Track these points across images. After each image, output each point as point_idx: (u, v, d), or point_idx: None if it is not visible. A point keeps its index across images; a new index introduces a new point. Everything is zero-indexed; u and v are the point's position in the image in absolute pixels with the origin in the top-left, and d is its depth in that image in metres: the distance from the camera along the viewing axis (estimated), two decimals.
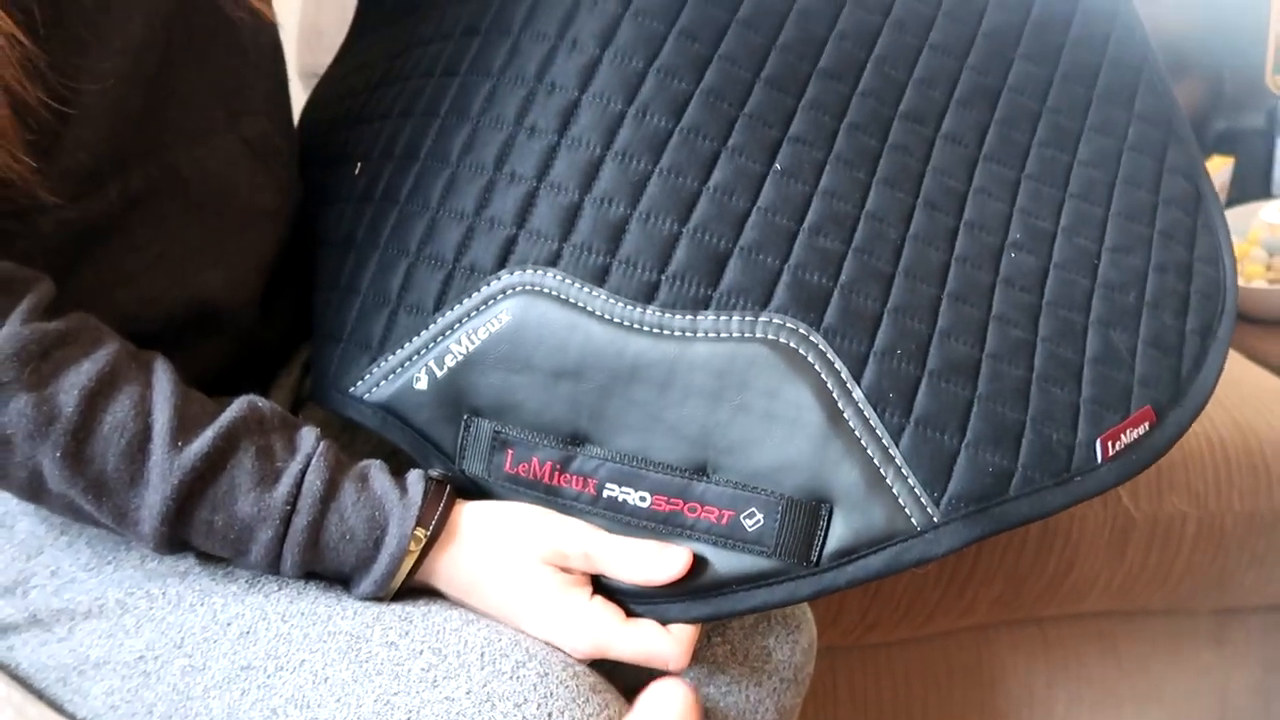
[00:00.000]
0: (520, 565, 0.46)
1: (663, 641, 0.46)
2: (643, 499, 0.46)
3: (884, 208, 0.50)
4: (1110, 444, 0.47)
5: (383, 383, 0.50)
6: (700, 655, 0.54)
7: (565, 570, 0.47)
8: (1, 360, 0.40)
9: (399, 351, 0.50)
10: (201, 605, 0.46)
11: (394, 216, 0.52)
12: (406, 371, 0.49)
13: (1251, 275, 1.06)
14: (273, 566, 0.45)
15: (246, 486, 0.43)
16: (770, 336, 0.46)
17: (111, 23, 0.45)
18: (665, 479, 0.46)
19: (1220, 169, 1.18)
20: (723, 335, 0.46)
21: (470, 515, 0.47)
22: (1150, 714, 0.90)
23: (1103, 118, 0.56)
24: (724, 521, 0.46)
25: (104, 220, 0.47)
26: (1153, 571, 0.80)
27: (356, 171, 0.56)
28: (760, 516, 0.45)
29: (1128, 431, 0.47)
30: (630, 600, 0.47)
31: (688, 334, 0.46)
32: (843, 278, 0.47)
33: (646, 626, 0.47)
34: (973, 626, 0.81)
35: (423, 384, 0.49)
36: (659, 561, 0.46)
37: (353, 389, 0.51)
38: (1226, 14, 1.20)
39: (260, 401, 0.46)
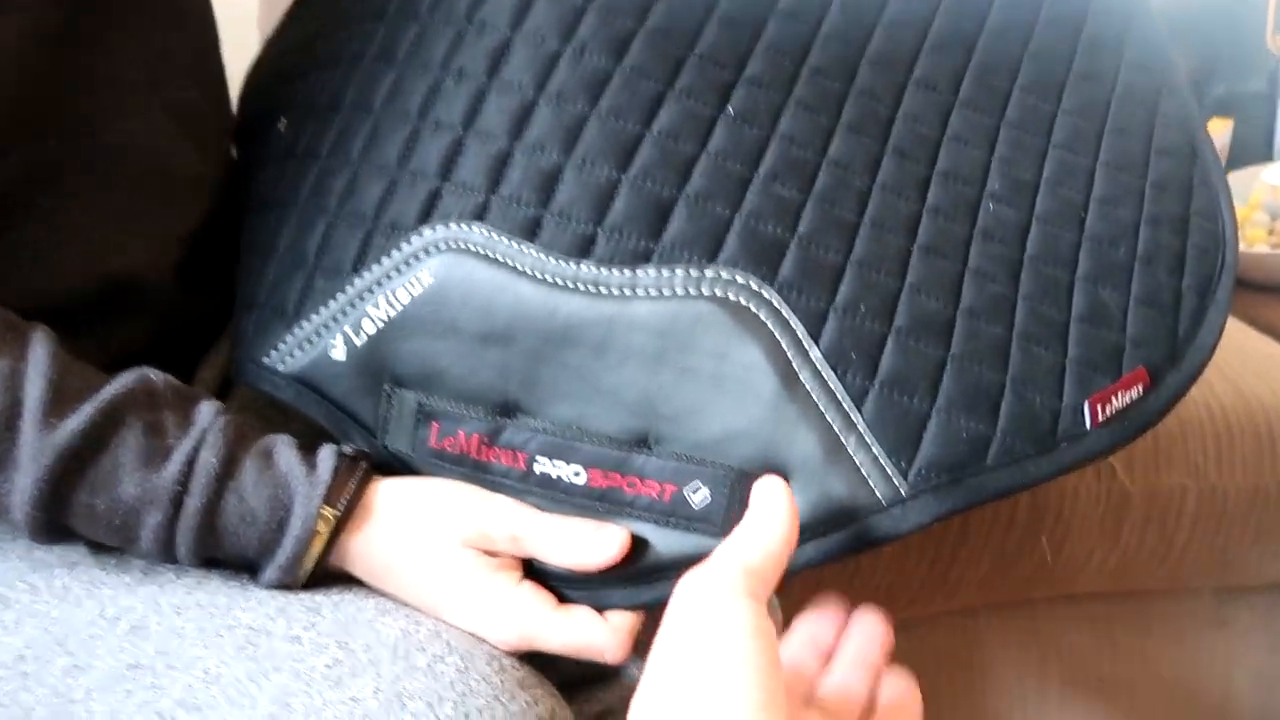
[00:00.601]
0: (440, 548, 0.42)
1: (598, 631, 0.42)
2: (577, 474, 0.42)
3: (848, 154, 0.46)
4: (1100, 408, 0.43)
5: (297, 352, 0.46)
6: (646, 645, 0.50)
7: (491, 554, 0.43)
8: None
9: (314, 317, 0.46)
10: (89, 598, 0.42)
11: (314, 173, 0.49)
12: (322, 339, 0.45)
13: (1253, 240, 1.02)
14: (166, 554, 0.41)
15: (131, 466, 0.39)
16: (718, 293, 0.42)
17: None
18: (601, 451, 0.42)
19: (1220, 132, 1.14)
20: (665, 292, 0.42)
21: (387, 494, 0.43)
22: (1149, 701, 0.86)
23: (1089, 65, 0.52)
24: (666, 497, 0.42)
25: (7, 190, 0.44)
26: (1150, 549, 0.76)
27: (282, 129, 0.52)
28: (706, 491, 0.41)
29: (1119, 394, 0.43)
30: (564, 586, 0.43)
31: (626, 291, 0.42)
32: (801, 228, 0.43)
33: (580, 615, 0.42)
34: (959, 610, 0.77)
35: (339, 352, 0.45)
36: (593, 543, 0.42)
37: (266, 359, 0.47)
38: None
39: (154, 374, 0.42)
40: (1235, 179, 1.07)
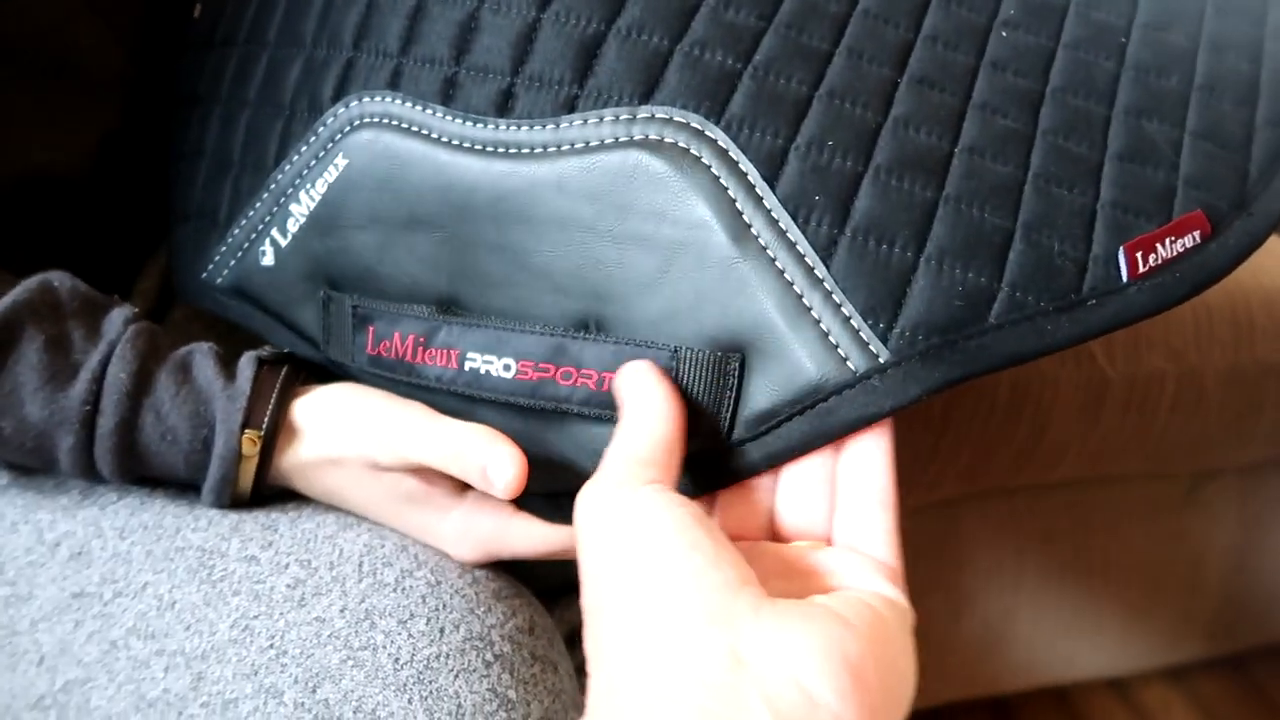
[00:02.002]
0: (361, 471, 0.39)
1: (562, 531, 0.39)
2: (506, 367, 0.36)
3: None
4: (1141, 256, 0.34)
5: (232, 262, 0.42)
6: None
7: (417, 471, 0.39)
8: None
9: (244, 223, 0.41)
10: (24, 523, 0.39)
11: (234, 61, 0.44)
12: (253, 245, 0.41)
13: None
14: (90, 476, 0.38)
15: (34, 385, 0.36)
16: (652, 135, 0.35)
17: None
18: (533, 339, 0.36)
19: None
20: (592, 143, 0.35)
21: (307, 409, 0.39)
22: (1123, 579, 0.87)
23: None
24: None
25: None
26: (1129, 434, 0.75)
27: (196, 14, 0.47)
28: None
29: (1168, 241, 0.35)
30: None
31: (550, 149, 0.36)
32: (757, 56, 0.36)
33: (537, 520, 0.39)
34: (939, 502, 0.77)
35: (269, 258, 0.41)
36: (492, 466, 0.35)
37: (205, 275, 0.43)
38: None
39: (58, 281, 0.38)
40: None
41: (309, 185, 0.39)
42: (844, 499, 0.33)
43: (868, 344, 0.33)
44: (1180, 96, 0.39)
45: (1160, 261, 0.35)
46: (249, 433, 0.37)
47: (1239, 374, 0.76)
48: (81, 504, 0.39)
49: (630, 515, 0.29)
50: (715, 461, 0.34)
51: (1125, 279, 0.34)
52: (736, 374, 0.34)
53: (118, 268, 0.51)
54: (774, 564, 0.31)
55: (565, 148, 0.35)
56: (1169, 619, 0.91)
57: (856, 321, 0.33)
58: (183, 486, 0.40)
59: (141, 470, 0.38)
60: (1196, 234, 0.35)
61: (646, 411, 0.32)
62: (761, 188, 0.34)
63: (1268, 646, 0.99)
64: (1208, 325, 0.75)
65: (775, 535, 0.34)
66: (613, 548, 0.28)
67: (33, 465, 0.38)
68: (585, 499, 0.30)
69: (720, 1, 0.37)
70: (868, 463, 0.32)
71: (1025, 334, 0.33)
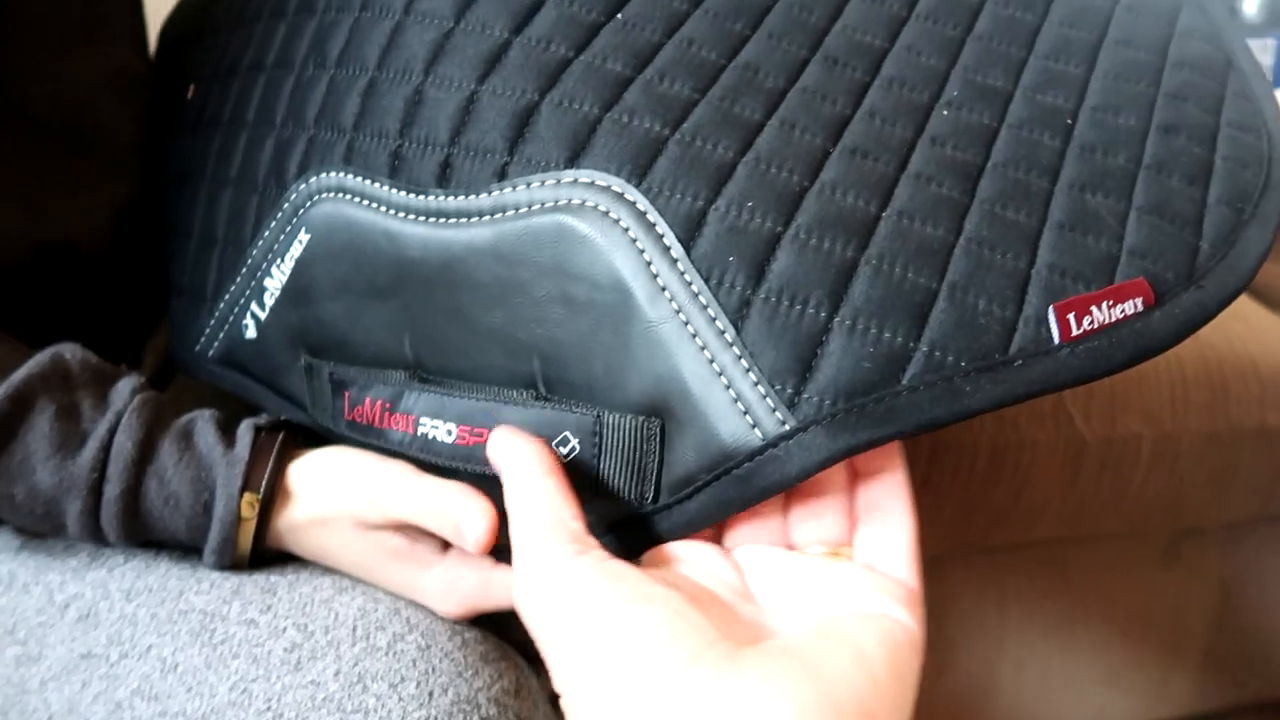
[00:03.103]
0: (350, 530, 0.41)
1: None
2: (449, 432, 0.37)
3: (761, 57, 0.38)
4: (1075, 318, 0.33)
5: (221, 335, 0.44)
6: None
7: (400, 528, 0.41)
8: None
9: (228, 297, 0.44)
10: (36, 585, 0.41)
11: (218, 141, 0.46)
12: (237, 318, 0.43)
13: None
14: (97, 540, 0.40)
15: (45, 453, 0.38)
16: (575, 200, 0.34)
17: None
18: (469, 404, 0.36)
19: (1264, 52, 1.06)
20: (522, 209, 0.35)
21: (300, 471, 0.41)
22: (1105, 636, 0.89)
23: None
24: None
25: None
26: (1106, 495, 0.77)
27: (189, 96, 0.50)
28: (575, 442, 0.35)
29: (1105, 305, 0.33)
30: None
31: (485, 217, 0.36)
32: (686, 124, 0.35)
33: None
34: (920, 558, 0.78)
35: (252, 331, 0.43)
36: (464, 522, 0.37)
37: (198, 347, 0.46)
38: None
39: (70, 353, 0.40)
40: None
41: (279, 260, 0.41)
42: (862, 516, 0.33)
43: (774, 410, 0.32)
44: (1127, 174, 0.38)
45: (1097, 325, 0.33)
46: (247, 496, 0.39)
47: (1214, 437, 0.78)
48: (90, 566, 0.41)
49: (572, 599, 0.28)
50: (639, 527, 0.35)
51: (1057, 341, 0.32)
52: (658, 439, 0.34)
53: (128, 333, 0.53)
54: (786, 572, 0.31)
55: (499, 215, 0.36)
56: (1151, 676, 0.92)
57: (764, 387, 0.32)
58: (187, 549, 0.42)
59: (146, 534, 0.40)
60: (1139, 301, 0.34)
61: (526, 476, 0.32)
62: (677, 250, 0.33)
63: (1251, 704, 1.00)
64: (1182, 390, 0.77)
65: (789, 542, 0.33)
66: (568, 635, 0.28)
67: (42, 530, 0.40)
68: (521, 591, 0.29)
69: (657, 74, 0.37)
70: (885, 482, 0.33)
71: (940, 396, 0.31)
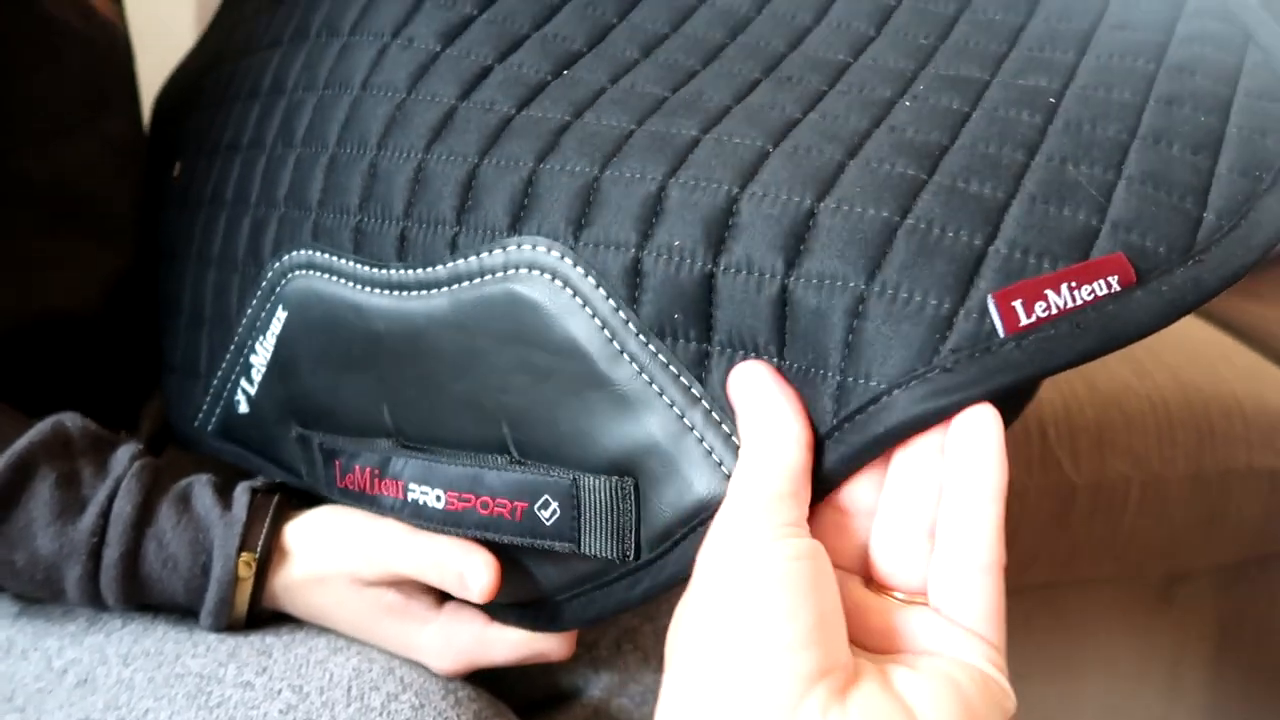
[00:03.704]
0: (343, 589, 0.41)
1: (535, 637, 0.41)
2: (438, 498, 0.37)
3: (708, 84, 0.37)
4: (1023, 306, 0.28)
5: (217, 410, 0.46)
6: (610, 663, 0.50)
7: (396, 584, 0.41)
8: None
9: (219, 373, 0.45)
10: (34, 650, 0.41)
11: (201, 220, 0.47)
12: (229, 395, 0.44)
13: None
14: (95, 604, 0.41)
15: (45, 520, 0.39)
16: (522, 268, 0.34)
17: None
18: (455, 470, 0.37)
19: None
20: (475, 279, 0.35)
21: (296, 531, 0.42)
22: (1102, 680, 0.88)
23: None
24: (519, 516, 0.36)
25: None
26: (1097, 539, 0.77)
27: (176, 174, 0.51)
28: (554, 505, 0.35)
29: (1065, 287, 0.29)
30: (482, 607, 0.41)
31: (444, 288, 0.36)
32: (616, 158, 0.34)
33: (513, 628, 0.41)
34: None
35: (244, 405, 0.44)
36: (468, 573, 0.38)
37: (196, 423, 0.47)
38: None
39: (70, 422, 0.41)
40: None
41: (262, 336, 0.42)
42: (941, 556, 0.29)
43: None
44: (1118, 144, 0.33)
45: (1055, 312, 0.29)
46: (244, 556, 0.40)
47: (1202, 479, 0.79)
48: (88, 630, 0.42)
49: (747, 567, 0.27)
50: (630, 578, 0.35)
51: (1001, 334, 0.28)
52: (633, 497, 0.34)
53: (124, 399, 0.53)
54: (862, 613, 0.29)
55: (455, 285, 0.36)
56: (1153, 715, 0.92)
57: (737, 437, 0.32)
58: (184, 612, 0.43)
59: (144, 597, 0.41)
60: (1114, 279, 0.29)
61: (772, 433, 0.30)
62: (625, 312, 0.33)
63: None
64: (1169, 431, 0.78)
65: (869, 573, 0.31)
66: (716, 596, 0.27)
67: (42, 596, 0.41)
68: (715, 540, 0.28)
69: (595, 116, 0.36)
70: (972, 515, 0.28)
71: (878, 424, 0.29)
